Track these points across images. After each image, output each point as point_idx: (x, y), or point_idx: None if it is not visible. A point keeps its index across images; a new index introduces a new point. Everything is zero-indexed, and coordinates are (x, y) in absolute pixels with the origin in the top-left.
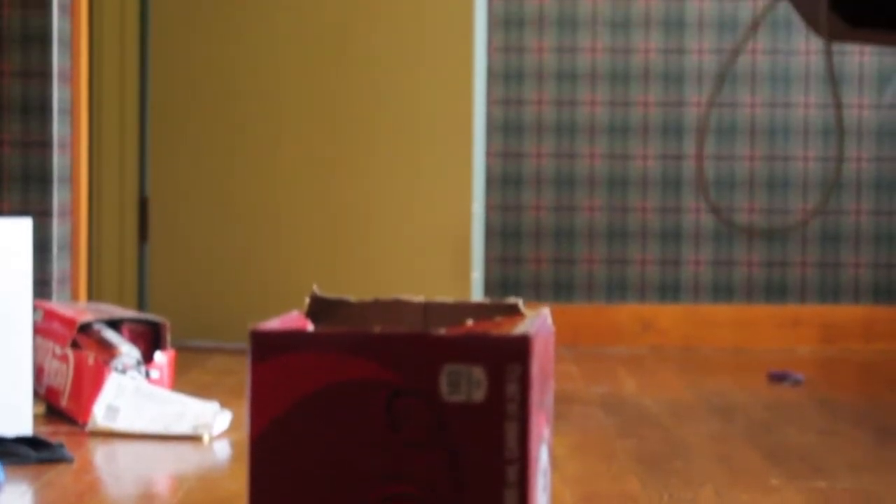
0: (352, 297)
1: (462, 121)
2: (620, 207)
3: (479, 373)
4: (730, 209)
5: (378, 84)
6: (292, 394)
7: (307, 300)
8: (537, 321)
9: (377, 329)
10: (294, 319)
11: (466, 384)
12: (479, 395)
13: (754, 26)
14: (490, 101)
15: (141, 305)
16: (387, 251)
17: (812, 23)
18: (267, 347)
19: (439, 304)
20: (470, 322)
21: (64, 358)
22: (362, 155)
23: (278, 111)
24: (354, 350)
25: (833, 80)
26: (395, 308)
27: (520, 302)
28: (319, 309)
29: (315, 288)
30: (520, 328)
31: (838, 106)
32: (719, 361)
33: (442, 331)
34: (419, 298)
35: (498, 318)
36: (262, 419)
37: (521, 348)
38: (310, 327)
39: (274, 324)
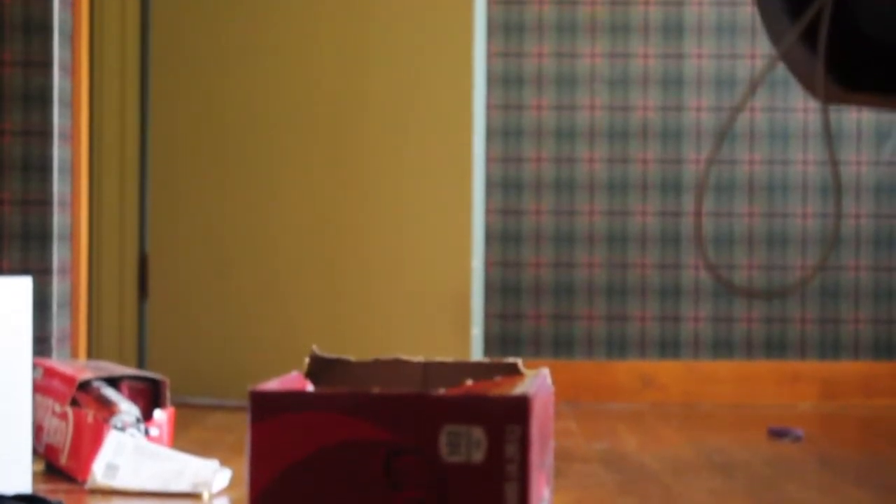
0: (351, 357)
1: (461, 177)
2: (620, 264)
3: (478, 433)
4: (729, 266)
5: (378, 141)
6: (292, 453)
7: (307, 360)
8: (536, 381)
9: (376, 389)
10: (293, 380)
11: (466, 445)
12: (478, 455)
13: (752, 89)
14: (489, 158)
15: (140, 363)
16: (387, 308)
17: (809, 86)
18: (266, 407)
19: (439, 363)
20: (469, 382)
21: (63, 416)
22: (362, 211)
23: (277, 169)
24: (353, 410)
25: (830, 141)
26: (395, 368)
27: (519, 362)
28: (319, 368)
29: (314, 348)
30: (519, 389)
31: (835, 165)
32: (719, 417)
33: (441, 391)
34: (419, 358)
35: (497, 378)
36: (262, 478)
37: (520, 409)
38: (309, 387)
39: (273, 384)
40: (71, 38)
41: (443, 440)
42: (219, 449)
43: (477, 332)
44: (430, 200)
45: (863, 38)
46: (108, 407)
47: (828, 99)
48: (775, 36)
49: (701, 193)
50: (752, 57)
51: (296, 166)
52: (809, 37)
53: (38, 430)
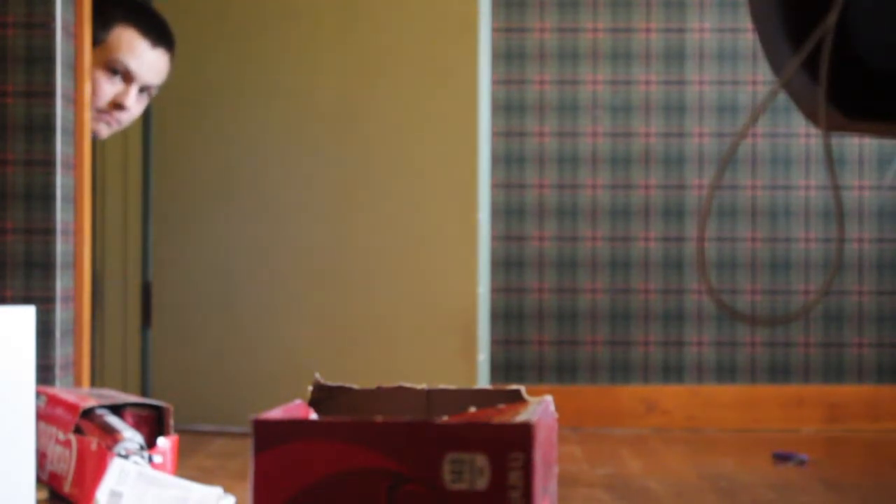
0: (355, 385)
1: (467, 205)
2: (623, 289)
3: (481, 461)
4: (732, 290)
5: (383, 168)
6: (295, 482)
7: (310, 388)
8: (540, 408)
9: (379, 418)
10: (297, 408)
11: (469, 472)
12: (482, 483)
13: (754, 118)
14: (492, 185)
15: (144, 390)
16: (392, 335)
17: (810, 115)
18: (269, 437)
19: (442, 390)
20: (473, 409)
21: (67, 443)
22: (367, 239)
23: (280, 196)
24: (356, 439)
25: (832, 167)
26: (399, 395)
27: (522, 388)
28: (322, 396)
29: (317, 376)
30: (522, 416)
31: (837, 190)
32: (723, 442)
33: (444, 419)
34: (422, 385)
35: (501, 405)
36: None
37: (523, 436)
38: (312, 415)
39: (276, 413)
40: (73, 69)
41: (446, 468)
42: (222, 476)
43: (483, 358)
44: (436, 227)
45: (864, 66)
46: (111, 434)
47: (829, 127)
48: (776, 64)
49: (704, 219)
50: (754, 83)
51: (300, 193)
52: (811, 65)
53: (41, 457)
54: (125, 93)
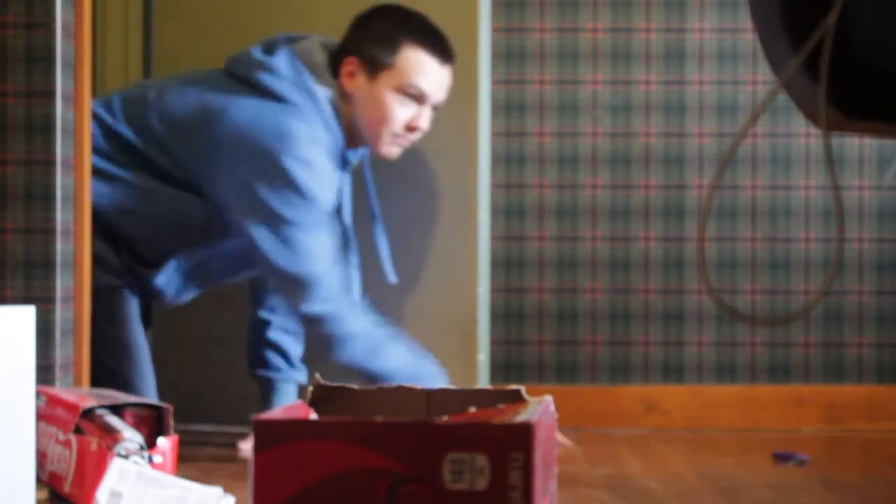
0: (355, 385)
1: (467, 204)
2: (623, 289)
3: (481, 461)
4: (732, 291)
5: (382, 168)
6: (295, 482)
7: (310, 388)
8: (539, 408)
9: (379, 417)
10: (297, 408)
11: (469, 472)
12: (482, 483)
13: (755, 118)
14: (492, 185)
15: None
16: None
17: (810, 114)
18: (270, 437)
19: (442, 390)
20: (473, 409)
21: (67, 443)
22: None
23: None
24: (357, 439)
25: (832, 167)
26: (399, 395)
27: (522, 388)
28: (322, 396)
29: (317, 376)
30: (522, 416)
31: (837, 190)
32: (723, 442)
33: (444, 419)
34: (422, 385)
35: (501, 405)
36: None
37: (523, 436)
38: (313, 415)
39: (277, 412)
40: (73, 69)
41: (446, 468)
42: (221, 476)
43: (483, 358)
44: (436, 227)
45: (864, 66)
46: (111, 434)
47: (830, 127)
48: (776, 64)
49: (704, 219)
50: (754, 83)
51: None
52: (811, 65)
53: (41, 457)
54: (419, 115)
